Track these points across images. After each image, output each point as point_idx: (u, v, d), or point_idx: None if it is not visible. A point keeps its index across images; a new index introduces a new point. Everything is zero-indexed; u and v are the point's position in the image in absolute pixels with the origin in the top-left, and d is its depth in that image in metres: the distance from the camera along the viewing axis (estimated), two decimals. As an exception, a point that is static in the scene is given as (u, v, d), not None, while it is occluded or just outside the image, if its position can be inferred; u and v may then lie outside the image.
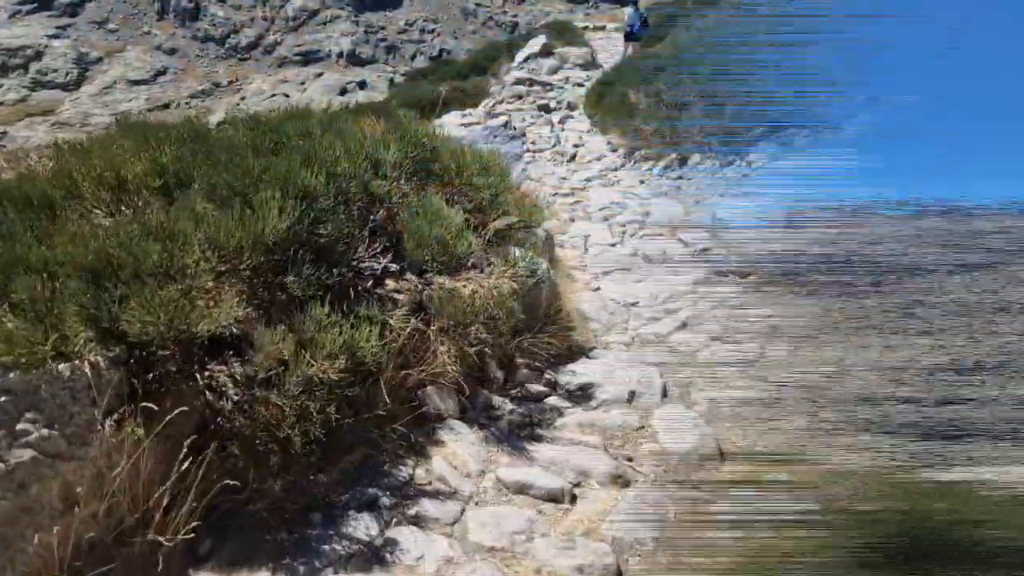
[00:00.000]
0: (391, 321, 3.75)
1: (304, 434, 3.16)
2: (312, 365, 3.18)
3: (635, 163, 10.98)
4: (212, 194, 3.42)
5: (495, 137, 7.98)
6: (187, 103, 72.26)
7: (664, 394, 4.53)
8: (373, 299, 3.99)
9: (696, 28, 13.49)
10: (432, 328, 3.93)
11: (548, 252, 6.15)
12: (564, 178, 10.57)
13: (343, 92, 77.89)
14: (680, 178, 10.05)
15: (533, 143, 12.66)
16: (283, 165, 3.52)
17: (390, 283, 4.26)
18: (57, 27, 72.62)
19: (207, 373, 3.25)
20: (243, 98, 74.36)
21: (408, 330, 3.83)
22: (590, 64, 21.54)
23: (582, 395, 4.46)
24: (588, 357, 4.92)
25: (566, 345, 4.79)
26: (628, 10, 19.88)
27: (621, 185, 10.13)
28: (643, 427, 4.18)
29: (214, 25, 77.63)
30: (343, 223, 3.74)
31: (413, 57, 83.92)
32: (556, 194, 9.62)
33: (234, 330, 3.35)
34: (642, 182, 10.22)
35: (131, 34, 74.46)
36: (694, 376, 4.75)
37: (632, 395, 4.43)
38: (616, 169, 10.85)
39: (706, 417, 4.31)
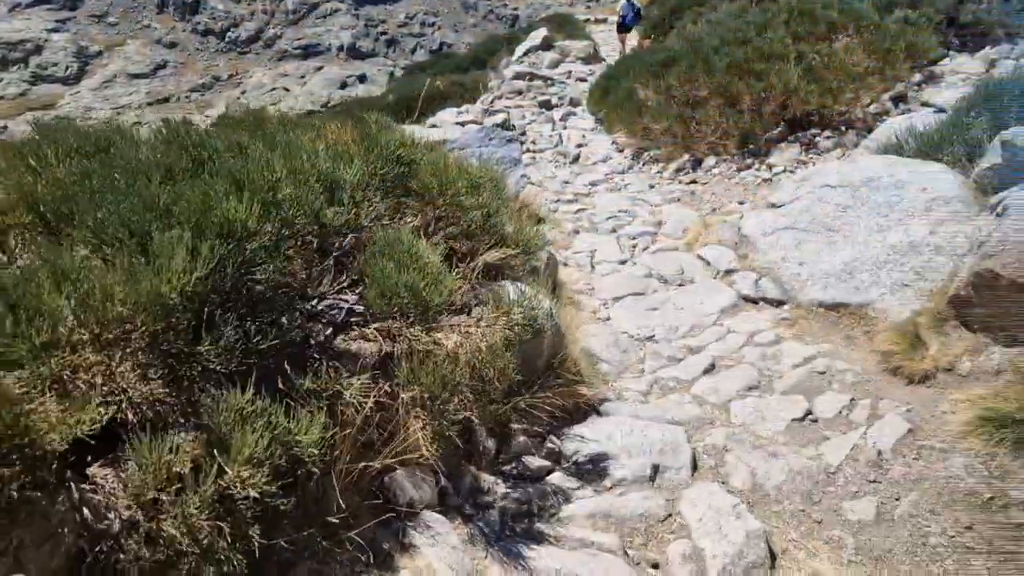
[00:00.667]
0: (347, 393, 2.84)
1: (218, 564, 2.27)
2: (227, 472, 2.29)
3: (644, 165, 10.04)
4: (101, 234, 2.51)
5: (490, 139, 7.05)
6: (187, 97, 71.32)
7: (694, 466, 3.62)
8: (329, 358, 3.09)
9: (707, 20, 12.48)
10: (402, 398, 3.02)
11: (551, 277, 5.24)
12: (567, 182, 9.63)
13: (343, 86, 76.99)
14: (694, 182, 9.11)
15: (534, 143, 11.71)
16: (200, 193, 2.60)
17: (356, 331, 3.35)
18: (57, 20, 71.60)
19: (83, 484, 2.35)
20: (243, 92, 73.39)
21: (371, 402, 2.93)
22: (592, 58, 20.57)
23: (593, 470, 3.54)
24: (599, 413, 4.00)
25: (572, 401, 3.88)
26: (621, 1, 19.82)
27: (629, 190, 9.19)
28: (670, 516, 3.26)
29: (214, 18, 76.53)
30: (285, 265, 2.83)
31: (413, 51, 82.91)
32: (558, 200, 8.67)
33: (130, 416, 2.46)
34: (652, 186, 9.27)
35: (131, 27, 73.40)
36: (728, 439, 3.84)
37: (655, 470, 3.51)
38: (623, 172, 9.90)
39: (748, 499, 3.39)
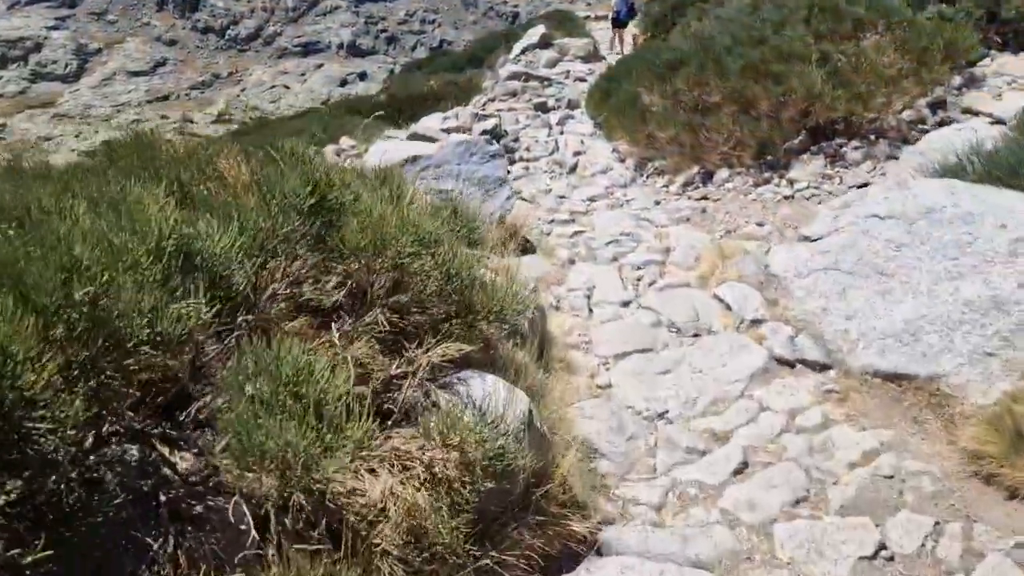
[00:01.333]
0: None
1: None
2: None
3: (648, 177, 8.90)
4: None
5: (471, 155, 5.95)
6: (187, 94, 70.27)
7: (731, 645, 2.52)
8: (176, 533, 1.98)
9: (715, 16, 11.30)
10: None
11: (537, 334, 4.12)
12: (563, 196, 8.48)
13: (343, 83, 76.05)
14: (704, 198, 7.97)
15: (527, 150, 10.56)
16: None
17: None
18: (56, 18, 70.47)
19: None
20: (243, 89, 72.42)
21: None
22: (591, 56, 19.39)
23: (588, 660, 2.44)
24: (598, 554, 2.89)
25: (561, 543, 2.77)
26: None
27: (632, 207, 8.05)
28: None
29: (214, 16, 75.37)
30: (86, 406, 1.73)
31: (414, 48, 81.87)
32: (552, 221, 7.53)
33: None
34: (658, 203, 8.13)
35: (130, 25, 72.24)
36: (777, 593, 2.73)
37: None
38: (625, 185, 8.75)
39: None
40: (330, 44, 76.39)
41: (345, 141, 11.33)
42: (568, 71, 16.66)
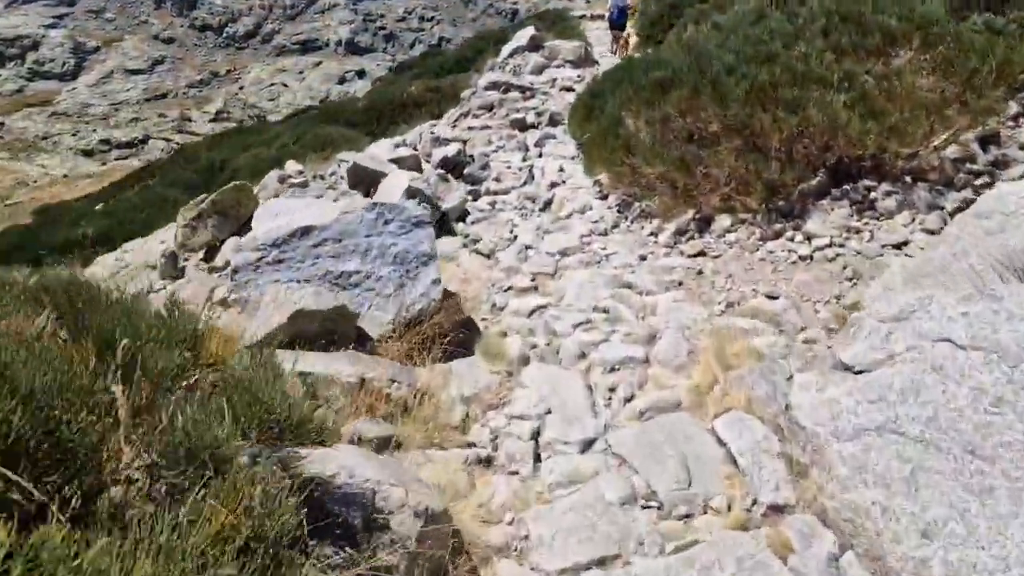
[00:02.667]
0: None
1: None
2: None
3: (633, 221, 7.21)
4: None
5: (386, 223, 4.29)
6: (184, 92, 68.59)
7: None
8: None
9: (713, 22, 9.54)
10: None
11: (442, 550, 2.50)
12: (529, 247, 6.79)
13: (342, 81, 74.42)
14: (702, 254, 6.28)
15: (497, 179, 8.87)
16: None
17: None
18: (54, 16, 68.71)
19: None
20: (241, 87, 70.75)
21: None
22: (583, 60, 17.65)
23: None
24: None
25: None
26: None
27: (612, 264, 6.37)
28: None
29: (212, 14, 73.50)
30: None
31: (412, 45, 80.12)
32: (510, 288, 5.85)
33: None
34: (643, 257, 6.44)
35: (128, 23, 70.43)
36: None
37: None
38: (605, 232, 7.06)
39: None
40: (328, 42, 74.49)
41: (291, 166, 9.67)
42: (555, 79, 14.93)
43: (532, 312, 5.39)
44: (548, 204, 8.03)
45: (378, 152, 8.04)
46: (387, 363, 3.87)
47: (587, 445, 3.76)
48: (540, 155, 10.05)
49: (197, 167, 17.32)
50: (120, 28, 69.55)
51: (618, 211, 7.51)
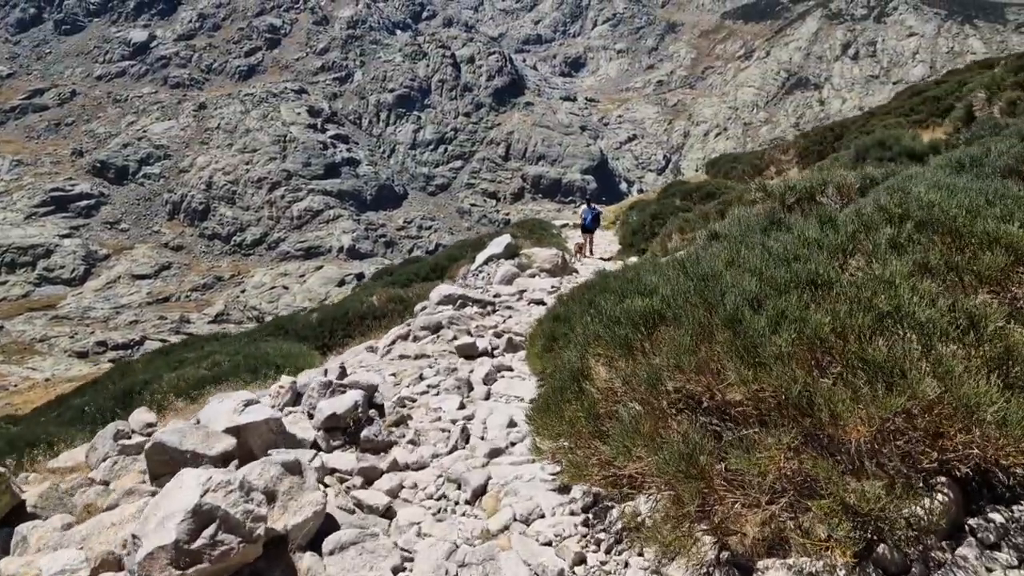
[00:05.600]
0: None
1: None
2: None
3: (613, 545, 4.06)
4: None
5: None
6: (188, 295, 67.77)
7: None
8: None
9: (712, 233, 7.04)
10: None
11: None
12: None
13: (341, 283, 74.08)
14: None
15: (412, 444, 5.78)
16: None
17: None
18: (71, 227, 69.91)
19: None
20: (243, 291, 70.05)
21: None
22: (559, 269, 15.39)
23: None
24: None
25: None
26: (582, 208, 21.71)
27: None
28: None
29: (221, 224, 75.17)
30: None
31: (410, 251, 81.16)
32: None
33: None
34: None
35: (141, 232, 71.63)
36: None
37: None
38: (574, 565, 3.89)
39: None
40: (331, 248, 75.54)
41: (141, 416, 6.65)
42: (523, 291, 12.44)
43: None
44: (478, 496, 4.89)
45: (217, 414, 5.03)
46: None
47: None
48: (487, 396, 7.09)
49: (115, 390, 14.32)
50: (132, 237, 70.60)
51: (588, 520, 4.35)
